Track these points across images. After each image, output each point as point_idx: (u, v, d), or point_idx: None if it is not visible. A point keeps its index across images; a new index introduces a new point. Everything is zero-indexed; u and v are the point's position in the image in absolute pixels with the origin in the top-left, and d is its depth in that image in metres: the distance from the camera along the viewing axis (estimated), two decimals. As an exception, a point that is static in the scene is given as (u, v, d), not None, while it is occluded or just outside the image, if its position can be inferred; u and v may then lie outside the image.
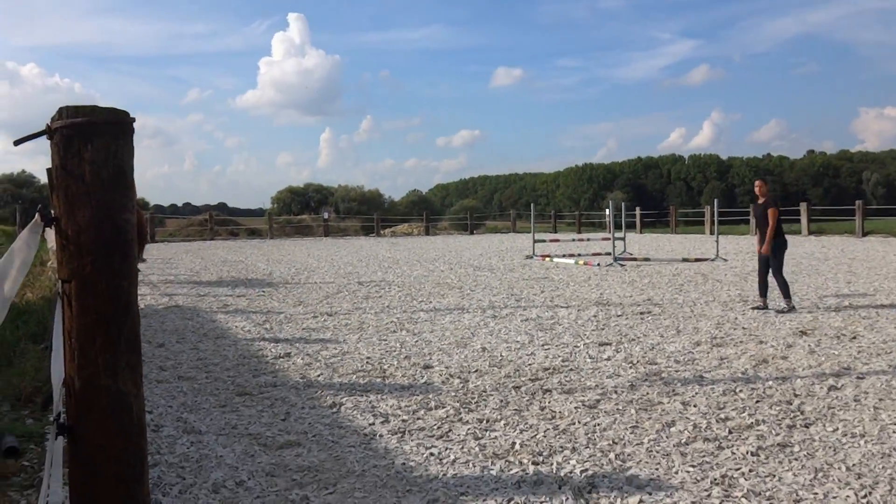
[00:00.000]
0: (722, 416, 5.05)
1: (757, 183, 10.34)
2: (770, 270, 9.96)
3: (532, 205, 24.29)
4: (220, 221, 43.20)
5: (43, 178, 59.36)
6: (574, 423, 4.95)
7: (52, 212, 1.80)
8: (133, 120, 1.80)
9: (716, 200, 22.72)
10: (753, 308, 9.96)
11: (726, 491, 3.76)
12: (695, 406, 5.30)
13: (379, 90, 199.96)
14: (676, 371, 6.43)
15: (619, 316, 9.57)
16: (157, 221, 39.56)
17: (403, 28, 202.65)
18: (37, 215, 1.79)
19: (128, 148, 1.79)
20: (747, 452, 4.31)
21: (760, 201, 10.18)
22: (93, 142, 1.73)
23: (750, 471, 4.02)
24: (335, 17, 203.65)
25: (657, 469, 4.09)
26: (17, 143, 1.76)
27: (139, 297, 9.23)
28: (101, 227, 1.74)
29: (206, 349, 7.81)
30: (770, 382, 5.96)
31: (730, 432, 4.70)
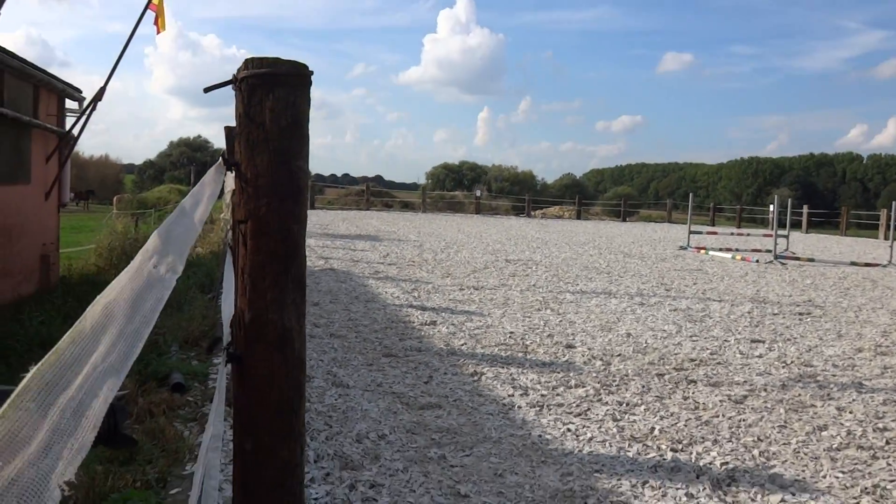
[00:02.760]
0: (880, 425, 4.76)
1: None
2: None
3: (690, 195, 23.46)
4: (376, 193, 44.43)
5: (216, 144, 63.08)
6: (718, 416, 4.82)
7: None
8: (311, 73, 1.91)
9: (894, 203, 21.11)
10: None
11: (877, 501, 3.56)
12: (850, 413, 5.03)
13: (541, 71, 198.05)
14: (833, 375, 6.09)
15: (775, 314, 9.15)
16: (318, 189, 41.25)
17: (569, 8, 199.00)
18: (220, 159, 1.94)
19: (305, 99, 1.91)
20: (906, 464, 4.06)
21: None
22: (274, 91, 1.85)
23: (907, 483, 3.78)
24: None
25: (803, 471, 3.93)
26: (206, 90, 1.92)
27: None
28: (277, 173, 1.87)
29: (357, 311, 8.12)
30: (939, 396, 5.54)
31: (887, 443, 4.43)
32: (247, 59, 1.87)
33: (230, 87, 1.89)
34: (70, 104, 11.30)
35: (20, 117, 8.97)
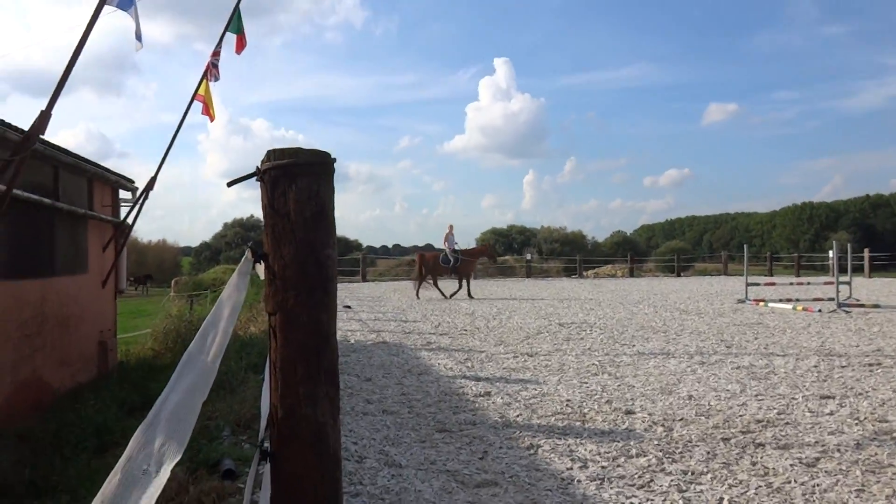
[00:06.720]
0: (968, 484, 4.45)
1: None
2: None
3: (745, 246, 23.00)
4: (427, 261, 44.54)
5: (270, 221, 64.95)
6: (790, 482, 4.56)
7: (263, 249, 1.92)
8: (334, 160, 1.88)
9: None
10: None
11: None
12: (934, 471, 4.72)
13: (584, 131, 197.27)
14: (912, 430, 5.76)
15: (843, 367, 8.78)
16: (369, 262, 41.61)
17: (606, 68, 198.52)
18: (247, 252, 1.91)
19: (329, 187, 1.88)
20: None
21: None
22: (297, 182, 1.83)
23: None
24: (539, 60, 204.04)
25: (888, 539, 3.66)
26: (230, 184, 1.91)
27: (350, 333, 9.70)
28: (304, 263, 1.83)
29: (410, 385, 8.02)
30: None
31: (978, 504, 4.13)
32: (269, 151, 1.85)
33: (254, 179, 1.88)
34: (124, 194, 11.64)
35: (76, 210, 9.23)
